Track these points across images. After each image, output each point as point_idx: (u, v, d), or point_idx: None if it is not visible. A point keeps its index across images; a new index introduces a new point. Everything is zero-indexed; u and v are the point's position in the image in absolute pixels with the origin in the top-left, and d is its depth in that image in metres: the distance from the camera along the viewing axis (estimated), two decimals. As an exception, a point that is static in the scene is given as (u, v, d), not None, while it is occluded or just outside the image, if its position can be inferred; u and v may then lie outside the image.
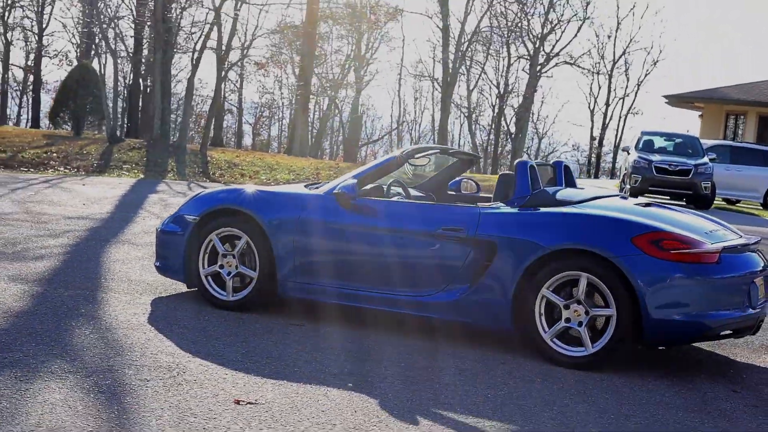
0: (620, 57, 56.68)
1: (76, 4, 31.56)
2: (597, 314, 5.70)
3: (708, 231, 6.08)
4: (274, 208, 6.62)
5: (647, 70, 62.90)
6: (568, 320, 5.76)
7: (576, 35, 60.99)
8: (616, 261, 5.60)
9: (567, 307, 5.76)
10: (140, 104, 39.70)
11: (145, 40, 35.75)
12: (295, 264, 6.52)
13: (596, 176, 56.07)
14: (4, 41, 48.02)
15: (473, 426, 4.52)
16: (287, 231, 6.53)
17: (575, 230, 5.81)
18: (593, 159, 58.84)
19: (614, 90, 57.97)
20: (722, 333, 5.82)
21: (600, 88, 58.88)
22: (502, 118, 55.35)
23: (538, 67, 50.60)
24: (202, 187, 15.38)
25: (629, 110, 58.44)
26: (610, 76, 57.36)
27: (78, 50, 46.52)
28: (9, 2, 46.74)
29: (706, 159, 21.14)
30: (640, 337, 5.66)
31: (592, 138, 59.17)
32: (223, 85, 46.74)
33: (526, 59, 51.87)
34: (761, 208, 24.56)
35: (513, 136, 53.09)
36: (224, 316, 6.48)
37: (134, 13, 28.91)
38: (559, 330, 5.79)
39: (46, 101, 48.45)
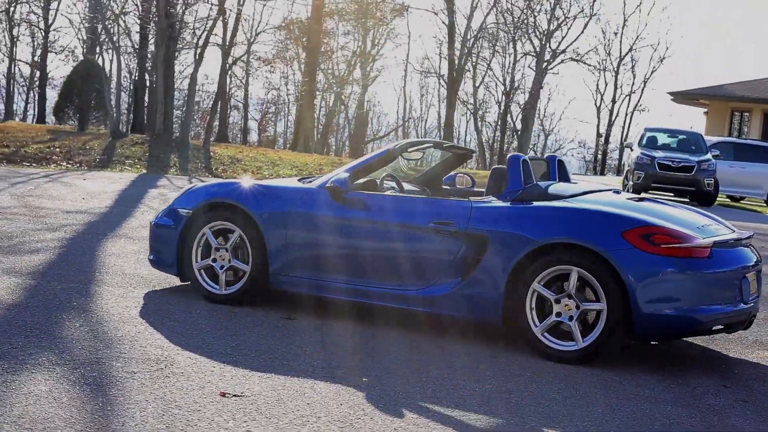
0: (627, 54, 56.58)
1: (83, -1, 31.63)
2: (588, 308, 5.68)
3: (700, 226, 6.05)
4: (266, 202, 6.62)
5: (654, 67, 62.86)
6: (559, 314, 5.75)
7: (582, 32, 60.66)
8: (606, 255, 5.59)
9: (558, 301, 5.75)
10: (146, 100, 39.72)
11: (150, 36, 35.80)
12: (288, 258, 6.52)
13: (602, 173, 55.95)
14: (10, 37, 48.08)
15: (458, 420, 4.51)
16: (280, 225, 6.53)
17: (566, 224, 5.80)
18: (599, 156, 58.74)
19: (620, 87, 57.82)
20: (714, 328, 5.80)
21: (606, 85, 58.71)
22: (508, 115, 55.27)
23: (545, 64, 50.50)
24: (202, 182, 15.40)
25: (635, 107, 58.31)
26: (617, 73, 57.26)
27: (84, 46, 46.59)
28: (15, -2, 46.80)
29: (709, 156, 21.08)
30: (631, 332, 5.64)
31: (599, 135, 59.08)
32: (228, 81, 46.86)
33: (533, 56, 51.77)
34: (765, 205, 24.48)
35: (519, 132, 53.01)
36: (216, 310, 6.48)
37: (140, 8, 28.93)
38: (550, 324, 5.77)
39: (52, 97, 48.50)
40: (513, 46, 53.57)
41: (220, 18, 23.28)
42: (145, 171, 19.62)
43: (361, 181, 6.73)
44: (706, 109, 37.27)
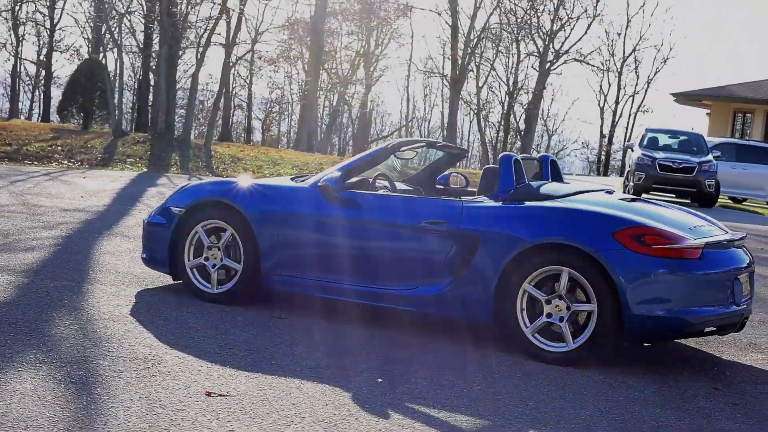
0: (630, 54, 56.48)
1: (88, -2, 31.63)
2: (578, 309, 5.66)
3: (692, 226, 6.03)
4: (258, 200, 6.61)
5: (657, 68, 62.72)
6: (549, 315, 5.73)
7: (586, 32, 60.58)
8: (597, 256, 5.56)
9: (548, 302, 5.72)
10: (150, 99, 39.76)
11: (154, 35, 35.81)
12: (280, 257, 6.51)
13: (606, 174, 55.89)
14: (15, 36, 48.14)
15: (444, 421, 4.49)
16: (272, 224, 6.52)
17: (557, 225, 5.78)
18: (603, 157, 58.65)
19: (624, 88, 57.76)
20: (705, 330, 5.77)
21: (610, 85, 58.66)
22: (511, 116, 55.21)
23: (548, 65, 50.44)
24: (199, 180, 15.38)
25: (639, 108, 58.25)
26: (620, 74, 57.18)
27: (89, 45, 46.62)
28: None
29: (710, 157, 21.03)
30: (622, 333, 5.61)
31: (602, 136, 59.00)
32: (232, 80, 46.84)
33: (536, 56, 51.72)
34: (767, 206, 24.42)
35: (522, 133, 52.95)
36: (207, 309, 6.47)
37: (144, 8, 28.95)
38: (541, 325, 5.75)
39: (57, 96, 48.56)
40: (516, 47, 53.53)
41: (223, 17, 23.29)
42: (145, 170, 19.62)
43: (354, 180, 6.72)
44: (708, 110, 37.20)
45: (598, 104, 58.96)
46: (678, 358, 6.30)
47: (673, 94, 36.03)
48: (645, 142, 22.12)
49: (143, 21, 33.11)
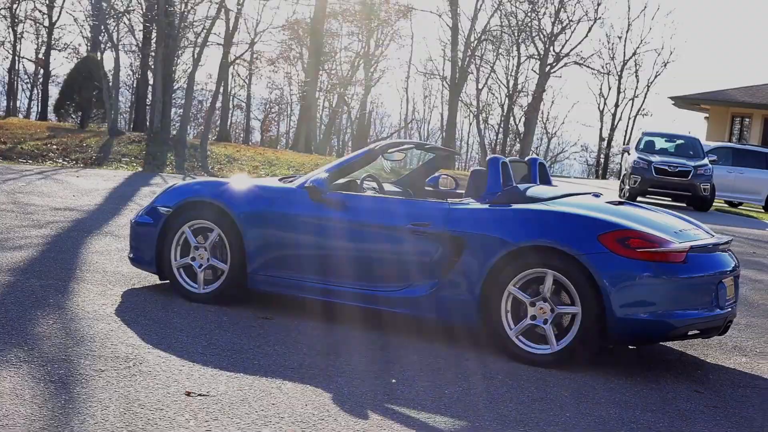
0: (630, 58, 56.50)
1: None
2: (562, 312, 5.67)
3: (678, 230, 6.03)
4: (246, 201, 6.61)
5: (657, 72, 62.63)
6: (534, 318, 5.73)
7: (587, 36, 60.74)
8: (581, 258, 5.57)
9: (533, 304, 5.73)
10: (148, 98, 39.73)
11: (153, 34, 35.80)
12: (266, 257, 6.51)
13: (604, 177, 55.89)
14: (13, 34, 48.13)
15: (423, 422, 4.49)
16: (258, 224, 6.52)
17: (542, 227, 5.78)
18: (602, 160, 58.66)
19: (624, 91, 57.81)
20: (690, 333, 5.78)
21: (610, 89, 58.67)
22: (511, 118, 55.24)
23: (548, 67, 50.45)
24: (193, 180, 15.36)
25: (638, 111, 58.28)
26: (620, 77, 57.21)
27: (88, 43, 46.62)
28: (19, -6, 46.82)
29: (706, 161, 21.04)
30: (606, 336, 5.62)
31: (601, 139, 59.01)
32: (230, 80, 46.85)
33: (536, 59, 51.74)
34: (763, 211, 24.43)
35: (521, 135, 52.96)
36: (193, 309, 6.47)
37: (143, 6, 28.94)
38: (525, 327, 5.75)
39: (55, 94, 48.54)
40: (516, 49, 53.52)
41: (220, 17, 23.30)
42: (140, 169, 19.61)
43: (341, 181, 6.73)
44: (707, 114, 37.22)
45: (598, 107, 59.01)
46: (662, 360, 6.30)
47: (672, 98, 36.04)
48: (642, 146, 22.14)
49: (141, 20, 33.12)
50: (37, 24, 50.38)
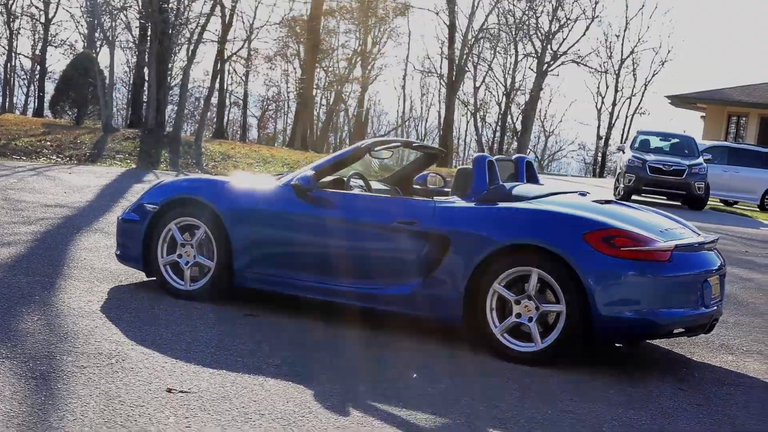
0: (628, 57, 56.50)
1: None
2: (547, 310, 5.67)
3: (663, 229, 6.03)
4: (232, 198, 6.60)
5: (655, 71, 62.74)
6: (518, 316, 5.73)
7: (584, 34, 60.70)
8: (566, 257, 5.57)
9: (518, 302, 5.73)
10: (144, 95, 39.69)
11: (149, 31, 35.74)
12: (252, 255, 6.50)
13: (602, 175, 55.90)
14: (9, 30, 48.07)
15: (404, 419, 4.49)
16: (245, 221, 6.52)
17: (527, 226, 5.78)
18: (599, 158, 58.68)
19: (621, 90, 57.80)
20: (675, 331, 5.78)
21: (607, 87, 58.65)
22: (509, 116, 55.23)
23: (545, 66, 50.46)
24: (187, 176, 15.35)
25: (636, 110, 58.31)
26: (617, 76, 57.21)
27: (85, 40, 46.58)
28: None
29: (700, 160, 21.06)
30: (590, 334, 5.62)
31: (599, 137, 59.04)
32: (227, 78, 46.85)
33: (533, 57, 51.74)
34: (758, 210, 24.45)
35: (519, 134, 52.98)
36: (180, 306, 6.46)
37: (139, 3, 28.90)
38: (510, 325, 5.75)
39: (52, 91, 48.51)
40: (514, 47, 53.53)
41: (215, 14, 23.28)
42: (134, 166, 19.60)
43: (329, 179, 6.72)
44: (703, 113, 37.24)
45: (596, 106, 59.05)
46: (648, 358, 6.31)
47: (668, 97, 36.06)
48: (636, 145, 22.15)
49: (138, 17, 33.09)
50: (34, 20, 50.31)
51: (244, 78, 53.59)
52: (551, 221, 5.76)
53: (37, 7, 48.14)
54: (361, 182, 7.03)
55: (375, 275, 6.16)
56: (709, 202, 22.88)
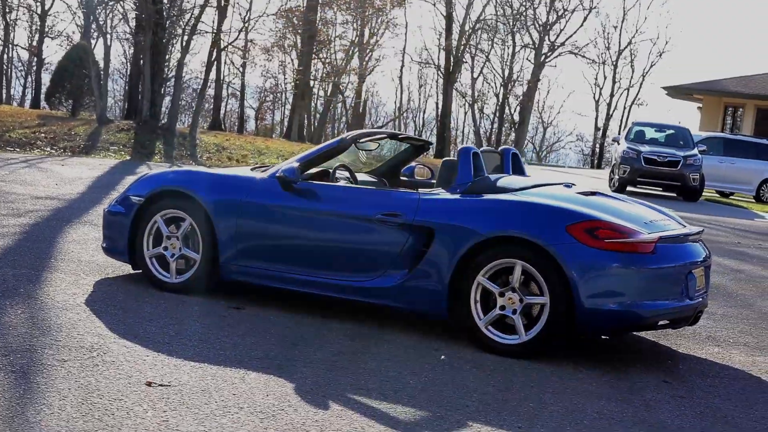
0: (625, 48, 56.49)
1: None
2: (531, 302, 5.66)
3: (648, 221, 6.02)
4: (217, 190, 6.59)
5: (652, 62, 62.62)
6: (503, 308, 5.73)
7: (582, 25, 60.69)
8: (549, 249, 5.56)
9: (502, 294, 5.72)
10: (140, 86, 39.59)
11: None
12: (238, 247, 6.49)
13: (600, 166, 55.90)
14: (5, 21, 47.95)
15: (384, 412, 4.48)
16: (230, 214, 6.50)
17: (511, 217, 5.77)
18: (597, 149, 58.68)
19: (619, 81, 57.82)
20: (659, 323, 5.78)
21: (605, 78, 58.69)
22: (506, 107, 55.20)
23: (543, 57, 50.41)
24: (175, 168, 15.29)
25: (634, 101, 58.32)
26: (615, 67, 57.17)
27: (82, 31, 46.45)
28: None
29: (695, 151, 21.04)
30: (574, 326, 5.61)
31: (597, 128, 59.03)
32: (224, 69, 46.74)
33: (531, 48, 51.69)
34: (753, 201, 24.44)
35: (517, 125, 52.96)
36: (165, 299, 6.45)
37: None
38: (494, 317, 5.74)
39: (48, 82, 48.38)
40: (512, 38, 53.47)
41: (211, 5, 23.24)
42: (128, 158, 19.57)
43: (314, 171, 6.71)
44: (700, 104, 37.20)
45: (594, 97, 59.11)
46: (633, 351, 6.30)
47: (665, 88, 36.02)
48: (632, 136, 22.14)
49: (134, 8, 33.01)
50: (31, 11, 50.19)
51: (241, 69, 53.51)
52: (534, 213, 5.75)
53: (33, -1, 48.04)
54: (347, 174, 7.02)
55: (359, 268, 6.15)
56: (705, 194, 22.89)
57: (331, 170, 6.83)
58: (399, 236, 6.04)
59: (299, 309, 6.46)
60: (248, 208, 6.47)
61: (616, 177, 20.96)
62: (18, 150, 18.68)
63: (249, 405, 4.40)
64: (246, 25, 31.66)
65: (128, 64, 52.40)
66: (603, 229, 5.58)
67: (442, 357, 5.29)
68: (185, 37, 24.18)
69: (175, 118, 23.76)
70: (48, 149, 19.35)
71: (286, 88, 59.96)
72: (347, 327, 6.13)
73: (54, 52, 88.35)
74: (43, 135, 21.12)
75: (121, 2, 26.99)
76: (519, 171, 6.88)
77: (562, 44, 50.70)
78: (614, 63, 57.09)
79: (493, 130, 58.11)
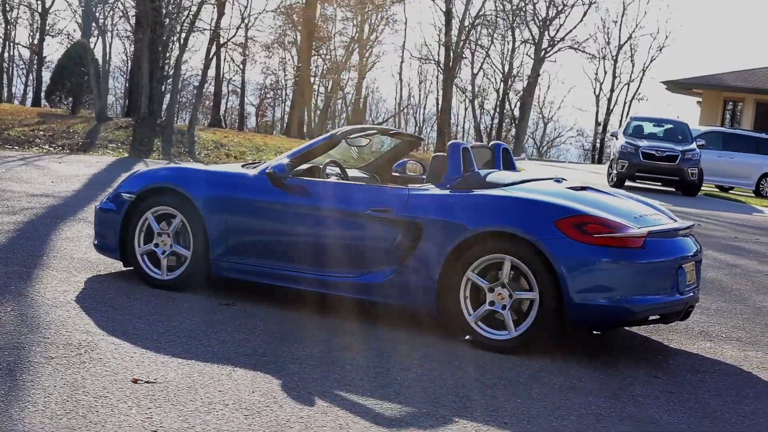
0: (625, 42, 56.37)
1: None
2: (520, 297, 5.65)
3: (638, 216, 6.01)
4: (207, 187, 6.58)
5: (653, 56, 62.45)
6: (492, 303, 5.72)
7: (582, 20, 60.59)
8: (538, 244, 5.55)
9: (491, 290, 5.71)
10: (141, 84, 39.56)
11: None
12: (228, 244, 6.49)
13: (600, 161, 55.83)
14: (5, 20, 47.92)
15: (369, 408, 4.48)
16: (220, 210, 6.50)
17: (500, 213, 5.76)
18: (597, 144, 58.60)
19: (619, 76, 57.66)
20: (650, 318, 5.77)
21: (606, 73, 58.57)
22: (507, 103, 55.13)
23: (543, 52, 50.35)
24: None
25: (634, 96, 58.19)
26: (615, 62, 57.07)
27: (82, 29, 46.42)
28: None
29: (694, 145, 21.00)
30: (564, 321, 5.60)
31: (597, 123, 58.94)
32: (224, 66, 46.67)
33: (531, 44, 51.63)
34: (753, 195, 24.40)
35: (517, 120, 52.91)
36: (156, 295, 6.44)
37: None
38: (484, 313, 5.74)
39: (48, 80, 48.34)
40: (511, 34, 53.39)
41: (208, 1, 23.21)
42: (126, 155, 19.56)
43: (304, 167, 6.70)
44: (699, 99, 37.14)
45: (594, 92, 58.94)
46: (624, 346, 6.29)
47: (664, 82, 35.95)
48: (630, 131, 22.09)
49: (134, 5, 32.97)
50: (31, 10, 50.16)
51: (241, 66, 53.49)
52: (523, 208, 5.74)
53: (33, -3, 48.00)
54: (337, 170, 7.01)
55: (349, 264, 6.15)
56: (704, 188, 22.86)
57: (321, 166, 6.82)
58: (389, 232, 6.03)
59: (289, 305, 6.45)
60: (238, 204, 6.47)
61: (615, 172, 20.93)
62: (17, 148, 18.68)
63: (235, 401, 4.39)
64: (246, 22, 31.65)
65: (129, 61, 52.48)
66: (592, 224, 5.57)
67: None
68: (183, 35, 24.15)
69: (173, 115, 23.75)
70: (46, 147, 19.36)
71: (286, 84, 59.99)
72: (337, 323, 6.12)
73: (55, 51, 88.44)
74: (41, 133, 21.12)
75: (120, 0, 26.97)
76: (510, 166, 6.86)
77: (562, 39, 50.69)
78: (614, 58, 56.97)
79: (494, 125, 58.05)
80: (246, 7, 38.52)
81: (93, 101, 28.93)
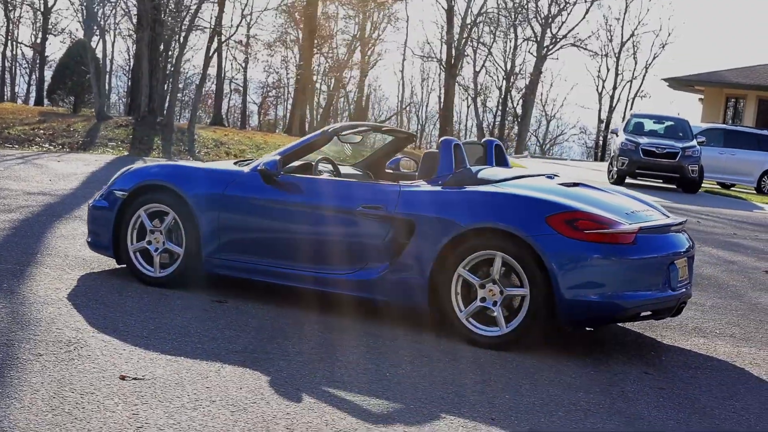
0: (628, 39, 56.28)
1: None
2: (511, 294, 5.64)
3: (630, 212, 5.99)
4: (200, 184, 6.58)
5: (655, 54, 62.40)
6: (483, 300, 5.71)
7: (584, 17, 60.45)
8: (529, 240, 5.54)
9: (483, 286, 5.70)
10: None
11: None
12: (221, 241, 6.49)
13: (603, 159, 55.76)
14: (6, 18, 47.97)
15: (356, 404, 4.47)
16: (212, 207, 6.49)
17: (490, 209, 5.75)
18: (600, 142, 58.53)
19: (622, 73, 57.58)
20: (641, 314, 5.76)
21: (608, 71, 58.45)
22: (509, 100, 55.08)
23: (545, 50, 50.30)
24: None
25: (636, 93, 58.10)
26: (618, 59, 56.99)
27: (84, 28, 46.43)
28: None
29: (694, 142, 20.95)
30: (555, 318, 5.59)
31: (600, 121, 58.87)
32: (226, 64, 46.71)
33: (533, 41, 51.59)
34: (754, 192, 24.36)
35: (519, 118, 52.87)
36: (148, 293, 6.45)
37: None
38: (475, 309, 5.73)
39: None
40: (513, 31, 53.36)
41: (210, 0, 23.22)
42: (126, 153, 19.57)
43: (296, 164, 6.70)
44: (701, 96, 37.09)
45: (596, 89, 58.87)
46: (617, 342, 6.28)
47: (666, 80, 35.90)
48: (630, 128, 22.06)
49: (135, 4, 32.97)
50: (34, 9, 50.20)
51: (243, 65, 53.52)
52: (514, 204, 5.73)
53: (36, -4, 48.03)
54: (329, 167, 7.00)
55: (341, 260, 6.14)
56: (705, 185, 22.83)
57: (313, 163, 6.81)
58: (380, 229, 6.03)
59: (281, 302, 6.45)
60: (231, 201, 6.46)
61: (615, 169, 20.90)
62: (17, 146, 18.69)
63: (222, 398, 4.39)
64: (247, 20, 31.65)
65: (131, 60, 52.49)
66: (583, 220, 5.56)
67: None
68: (183, 33, 24.15)
69: (173, 113, 23.75)
70: (46, 145, 19.36)
71: (288, 83, 59.97)
72: (328, 320, 6.12)
73: (57, 49, 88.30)
74: (42, 131, 21.13)
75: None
76: (502, 163, 6.85)
77: (564, 37, 50.61)
78: (617, 55, 56.90)
79: (496, 123, 58.00)
80: (246, 5, 38.45)
81: (94, 100, 28.94)
